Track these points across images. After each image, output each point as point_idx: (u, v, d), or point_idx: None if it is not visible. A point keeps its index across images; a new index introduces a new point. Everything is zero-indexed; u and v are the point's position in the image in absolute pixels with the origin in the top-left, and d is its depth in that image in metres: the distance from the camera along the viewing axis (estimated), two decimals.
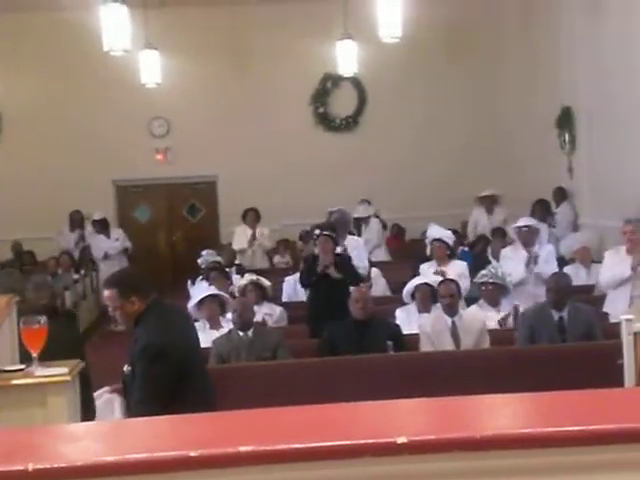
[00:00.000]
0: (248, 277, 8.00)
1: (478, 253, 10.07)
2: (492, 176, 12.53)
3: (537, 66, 12.57)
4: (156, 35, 11.57)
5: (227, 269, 8.97)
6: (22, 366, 3.91)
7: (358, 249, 8.35)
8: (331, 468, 1.69)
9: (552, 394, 2.18)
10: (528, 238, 8.22)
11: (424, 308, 7.00)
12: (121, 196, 14.23)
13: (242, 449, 1.66)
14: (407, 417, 1.95)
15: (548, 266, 7.97)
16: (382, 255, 11.20)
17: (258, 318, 7.01)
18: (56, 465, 1.62)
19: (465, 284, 7.39)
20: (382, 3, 9.10)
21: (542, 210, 10.45)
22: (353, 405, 1.96)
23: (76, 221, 12.68)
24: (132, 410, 4.13)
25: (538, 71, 12.54)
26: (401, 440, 1.69)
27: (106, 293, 4.28)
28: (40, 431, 2.06)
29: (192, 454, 1.64)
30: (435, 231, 8.37)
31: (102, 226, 12.42)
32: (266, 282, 7.84)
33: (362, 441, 1.69)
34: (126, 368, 4.21)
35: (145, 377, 4.07)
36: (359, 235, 10.41)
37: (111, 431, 1.90)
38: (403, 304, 7.25)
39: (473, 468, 1.75)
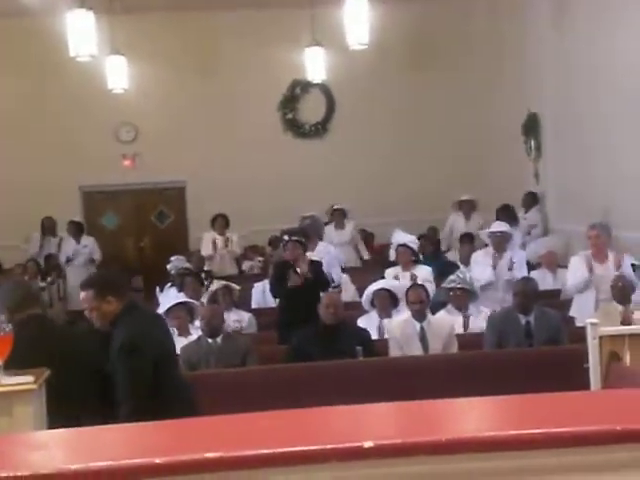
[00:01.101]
0: (217, 282, 7.98)
1: (431, 254, 10.13)
2: (460, 181, 12.61)
3: (504, 72, 12.69)
4: (123, 41, 11.50)
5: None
6: None
7: (329, 256, 8.36)
8: (297, 473, 1.69)
9: (518, 397, 2.20)
10: (501, 243, 8.29)
11: (385, 313, 7.02)
12: (88, 202, 14.10)
13: (208, 455, 1.65)
14: (374, 421, 1.95)
15: (519, 272, 8.05)
16: (353, 261, 11.28)
17: (227, 325, 6.98)
18: (20, 473, 1.61)
19: (430, 289, 7.43)
20: (349, 10, 9.13)
21: (506, 216, 10.53)
22: (320, 410, 1.96)
23: (48, 228, 12.55)
24: (118, 407, 4.13)
25: (505, 77, 12.65)
26: (368, 444, 1.69)
27: (82, 295, 4.28)
28: (4, 439, 2.04)
29: (157, 461, 1.63)
30: (400, 236, 8.41)
31: (76, 229, 12.29)
32: (235, 286, 7.82)
33: (329, 446, 1.69)
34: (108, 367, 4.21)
35: (125, 371, 4.09)
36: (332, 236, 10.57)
37: (76, 439, 1.88)
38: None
39: (439, 471, 1.76)
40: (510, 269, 8.09)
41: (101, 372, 4.30)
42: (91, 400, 4.11)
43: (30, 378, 3.83)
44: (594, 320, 4.94)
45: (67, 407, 3.77)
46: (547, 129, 11.43)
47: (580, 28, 10.14)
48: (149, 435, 1.85)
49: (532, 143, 11.77)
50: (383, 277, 8.04)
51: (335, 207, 11.54)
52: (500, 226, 8.62)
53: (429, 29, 13.39)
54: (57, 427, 2.39)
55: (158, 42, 13.04)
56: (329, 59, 11.71)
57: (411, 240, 8.29)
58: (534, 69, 11.64)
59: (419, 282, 7.18)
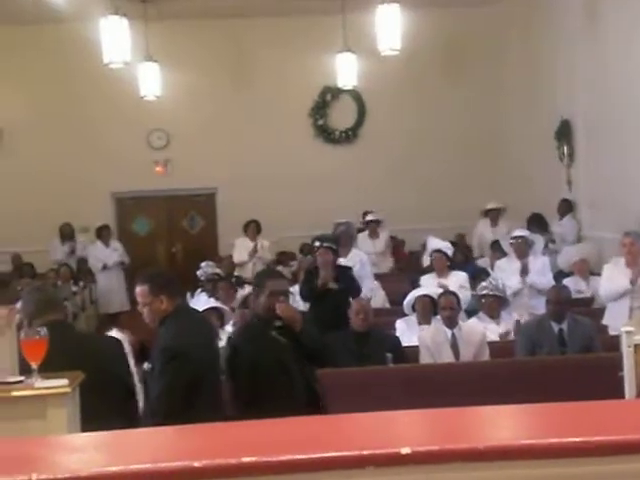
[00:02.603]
0: (248, 287, 7.94)
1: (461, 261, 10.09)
2: (491, 189, 12.56)
3: (536, 79, 12.61)
4: (156, 48, 11.60)
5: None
6: (22, 378, 3.89)
7: (361, 265, 8.34)
8: (334, 478, 1.68)
9: (554, 405, 2.18)
10: (522, 249, 8.23)
11: (424, 320, 6.98)
12: (120, 208, 14.23)
13: (245, 460, 1.65)
14: (410, 428, 1.95)
15: (542, 278, 7.97)
16: (388, 269, 11.33)
17: None
18: (59, 475, 1.62)
19: (466, 295, 7.38)
20: (381, 16, 9.14)
21: (536, 224, 10.47)
22: (355, 416, 1.95)
23: (66, 234, 12.68)
24: (149, 405, 4.19)
25: (537, 84, 12.58)
26: (405, 451, 1.68)
27: (138, 289, 4.33)
28: (43, 441, 2.06)
29: (196, 464, 1.63)
30: (434, 243, 8.39)
31: (104, 233, 12.40)
32: None
33: (366, 452, 1.69)
34: (146, 365, 4.30)
35: (162, 375, 4.14)
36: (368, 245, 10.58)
37: (115, 441, 1.89)
38: (401, 316, 7.24)
39: (476, 479, 1.75)
40: (526, 274, 8.02)
41: (123, 382, 4.31)
42: (110, 410, 4.10)
43: (65, 381, 3.86)
44: (629, 328, 4.88)
45: (86, 416, 3.78)
46: (580, 135, 11.34)
47: (613, 34, 10.06)
48: (187, 438, 1.86)
49: (565, 149, 11.69)
50: (416, 284, 7.99)
51: (368, 219, 11.51)
52: (520, 231, 8.58)
53: (461, 35, 13.37)
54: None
55: (191, 49, 13.15)
56: (360, 65, 11.72)
57: (446, 246, 8.25)
58: (566, 75, 11.57)
59: (454, 288, 7.14)
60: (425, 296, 7.05)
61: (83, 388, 3.87)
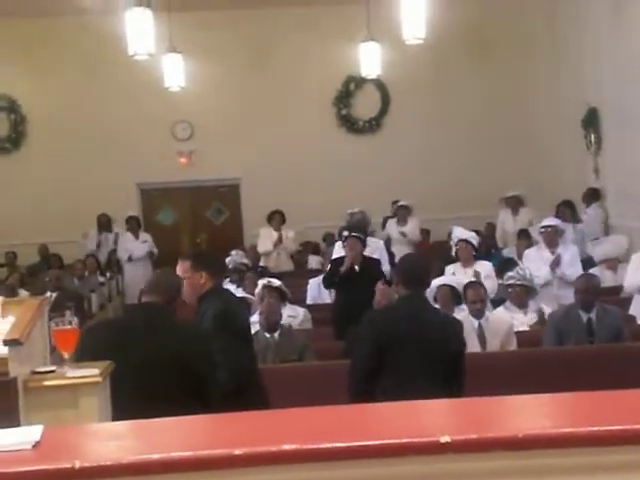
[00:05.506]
0: (261, 282, 7.81)
1: (486, 251, 10.04)
2: (517, 177, 12.45)
3: (562, 66, 12.51)
4: (180, 39, 11.59)
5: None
6: (53, 367, 3.92)
7: (379, 251, 8.33)
8: (375, 467, 1.69)
9: (589, 394, 2.17)
10: (552, 238, 8.14)
11: (447, 309, 6.95)
12: (145, 199, 14.28)
13: (286, 447, 1.66)
14: (447, 416, 1.94)
15: (572, 268, 7.89)
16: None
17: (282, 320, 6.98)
18: (102, 463, 1.63)
19: (492, 285, 7.34)
20: (406, 5, 9.06)
21: (567, 211, 10.37)
22: (394, 404, 1.95)
23: (104, 224, 12.73)
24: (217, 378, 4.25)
25: (564, 71, 12.47)
26: (444, 439, 1.68)
27: (180, 264, 4.51)
28: (84, 430, 2.07)
29: (237, 452, 1.64)
30: (460, 232, 8.34)
31: (135, 224, 12.42)
32: (275, 282, 7.62)
33: (405, 440, 1.69)
34: None
35: (223, 338, 4.23)
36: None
37: (156, 429, 1.90)
38: None
39: (516, 467, 1.75)
40: (558, 265, 7.95)
41: None
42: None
43: (96, 371, 3.88)
44: None
45: None
46: (607, 123, 11.23)
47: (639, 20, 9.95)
48: (227, 426, 1.86)
49: (592, 137, 11.57)
50: (442, 274, 7.97)
51: (400, 204, 11.54)
52: (550, 221, 8.49)
53: (486, 23, 13.26)
54: None
55: (215, 39, 13.14)
56: (384, 54, 11.63)
57: (471, 236, 8.21)
58: (593, 63, 11.46)
59: (482, 278, 7.10)
60: (445, 285, 7.02)
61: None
